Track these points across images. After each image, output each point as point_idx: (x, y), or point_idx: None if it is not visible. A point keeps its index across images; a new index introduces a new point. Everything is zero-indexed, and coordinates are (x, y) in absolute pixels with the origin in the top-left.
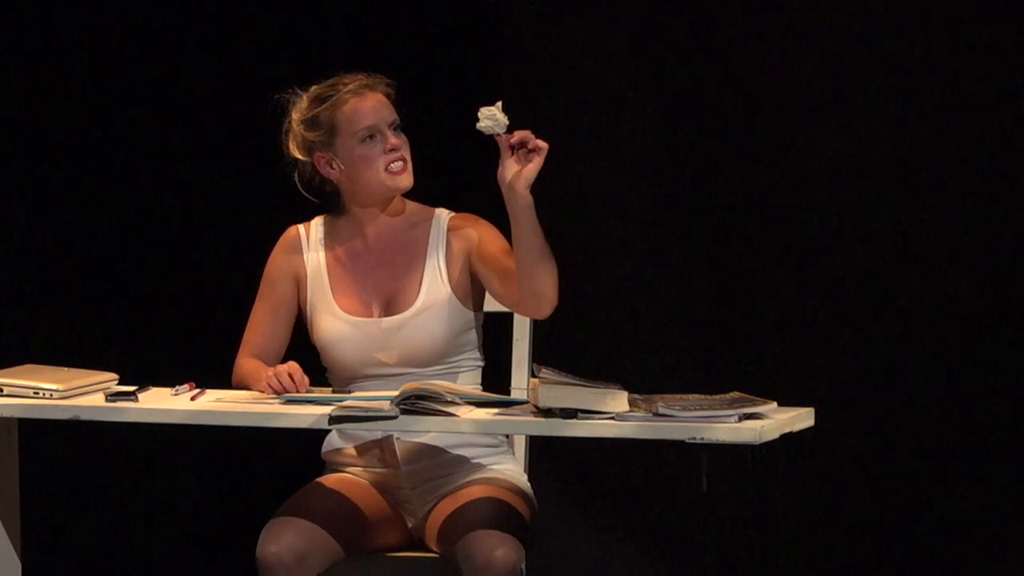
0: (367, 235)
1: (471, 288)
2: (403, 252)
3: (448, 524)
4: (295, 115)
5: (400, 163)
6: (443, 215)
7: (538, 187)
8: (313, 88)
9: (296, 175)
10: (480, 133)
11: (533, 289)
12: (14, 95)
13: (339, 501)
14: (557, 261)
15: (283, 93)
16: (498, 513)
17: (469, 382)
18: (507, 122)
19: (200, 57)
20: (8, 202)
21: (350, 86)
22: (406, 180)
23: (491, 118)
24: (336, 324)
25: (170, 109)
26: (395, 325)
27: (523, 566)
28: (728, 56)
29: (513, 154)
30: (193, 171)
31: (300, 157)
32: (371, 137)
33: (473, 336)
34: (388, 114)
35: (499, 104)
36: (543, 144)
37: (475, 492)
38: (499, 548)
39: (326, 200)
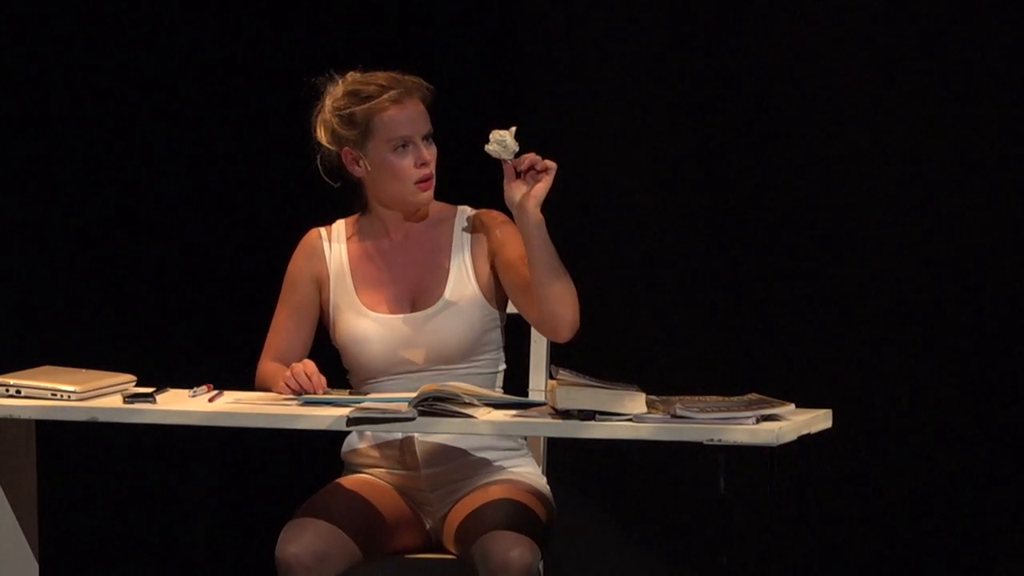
0: (391, 234)
1: (495, 286)
2: (428, 249)
3: (465, 525)
4: (329, 102)
5: (427, 180)
6: (467, 211)
7: (555, 193)
8: (350, 76)
9: (319, 158)
10: (488, 155)
11: (550, 310)
12: (30, 93)
13: (358, 502)
14: (574, 265)
15: (319, 77)
16: (514, 514)
17: (493, 383)
18: (516, 148)
19: (220, 59)
20: (25, 203)
21: (391, 92)
22: (427, 198)
23: (500, 143)
24: (362, 322)
25: (189, 109)
26: (421, 321)
27: (540, 567)
28: (744, 59)
29: (519, 177)
30: (212, 172)
31: (327, 145)
32: (403, 146)
33: (497, 335)
34: (423, 124)
35: (512, 130)
36: (551, 164)
37: (492, 493)
38: (515, 549)
39: (347, 186)
